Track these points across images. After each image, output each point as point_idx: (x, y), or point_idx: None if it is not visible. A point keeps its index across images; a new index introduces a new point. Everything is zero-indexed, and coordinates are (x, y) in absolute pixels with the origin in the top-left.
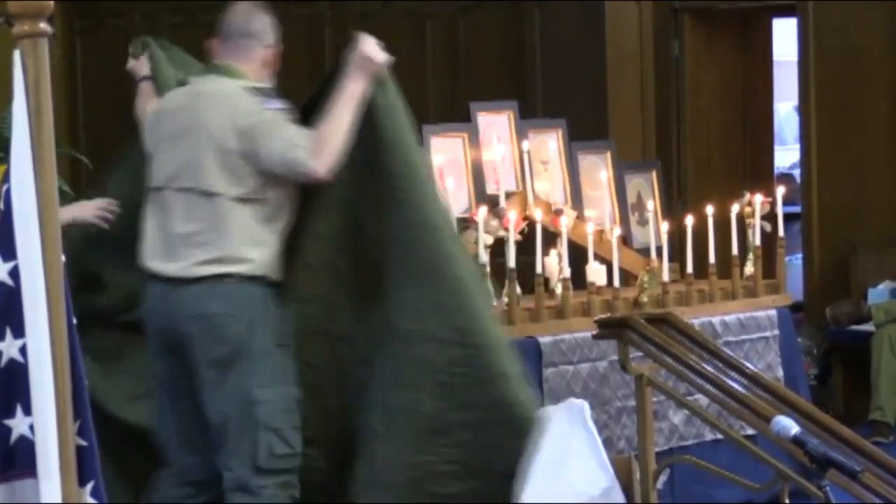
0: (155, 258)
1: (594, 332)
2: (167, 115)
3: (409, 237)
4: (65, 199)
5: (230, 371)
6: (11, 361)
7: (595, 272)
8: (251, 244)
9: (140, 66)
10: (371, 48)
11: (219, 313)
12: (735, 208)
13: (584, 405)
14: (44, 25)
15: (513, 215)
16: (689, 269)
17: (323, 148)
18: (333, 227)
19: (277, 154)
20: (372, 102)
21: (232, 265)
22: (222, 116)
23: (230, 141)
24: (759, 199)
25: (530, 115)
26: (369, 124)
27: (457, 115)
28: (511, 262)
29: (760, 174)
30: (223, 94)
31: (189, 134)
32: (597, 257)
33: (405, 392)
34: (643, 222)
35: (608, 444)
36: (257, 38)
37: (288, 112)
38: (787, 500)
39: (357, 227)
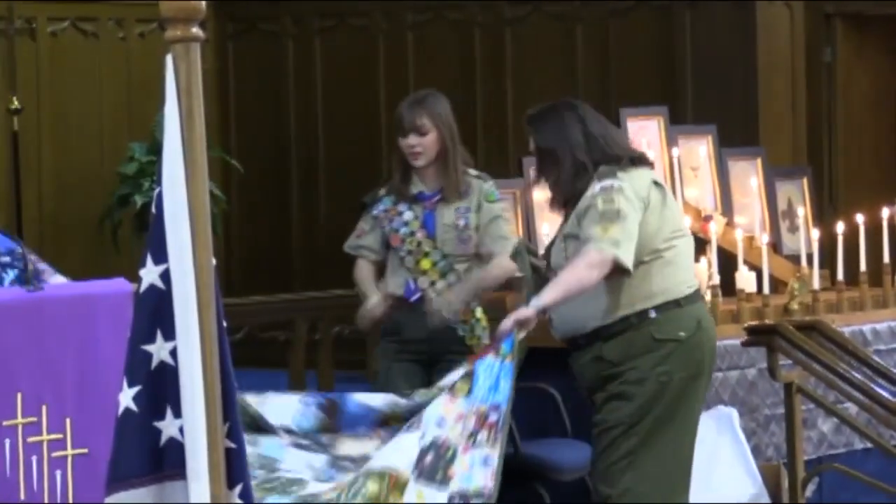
0: None
1: (743, 340)
2: None
3: None
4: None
5: None
6: (162, 364)
7: (745, 279)
8: None
9: None
10: None
11: None
12: (886, 214)
13: (733, 413)
14: (195, 30)
15: None
16: (840, 276)
17: None
18: None
19: None
20: None
21: None
22: None
23: None
24: None
25: (680, 120)
26: None
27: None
28: None
29: None
30: None
31: None
32: (746, 264)
33: None
34: (794, 229)
35: (756, 451)
36: None
37: None
38: None
39: None
